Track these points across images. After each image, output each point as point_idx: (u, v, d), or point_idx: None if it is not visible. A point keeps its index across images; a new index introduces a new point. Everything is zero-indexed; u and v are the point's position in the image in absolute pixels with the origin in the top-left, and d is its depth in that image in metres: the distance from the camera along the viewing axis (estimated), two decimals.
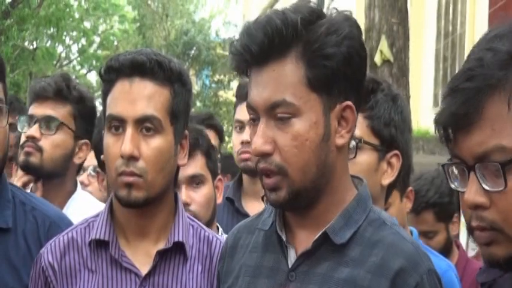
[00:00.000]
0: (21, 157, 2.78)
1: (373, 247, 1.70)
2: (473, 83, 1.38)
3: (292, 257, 1.75)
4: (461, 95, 1.39)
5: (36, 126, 2.79)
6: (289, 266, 1.74)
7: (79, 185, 2.96)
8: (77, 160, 2.84)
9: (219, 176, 2.82)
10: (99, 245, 2.05)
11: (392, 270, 1.66)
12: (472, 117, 1.38)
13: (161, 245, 2.05)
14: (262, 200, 2.64)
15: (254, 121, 1.73)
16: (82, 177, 3.73)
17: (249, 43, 1.68)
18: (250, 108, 1.73)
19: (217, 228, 2.83)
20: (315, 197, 1.73)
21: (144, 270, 2.03)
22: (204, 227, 2.17)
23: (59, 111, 2.81)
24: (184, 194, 2.65)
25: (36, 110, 2.84)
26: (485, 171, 1.39)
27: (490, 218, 1.41)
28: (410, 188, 2.95)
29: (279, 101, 1.68)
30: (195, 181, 2.68)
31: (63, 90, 2.82)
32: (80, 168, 3.01)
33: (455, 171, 1.46)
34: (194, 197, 2.67)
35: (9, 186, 2.37)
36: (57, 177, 2.83)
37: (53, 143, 2.78)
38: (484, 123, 1.38)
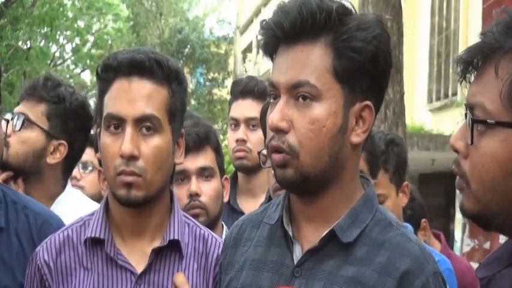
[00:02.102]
0: None
1: (380, 247, 1.71)
2: (485, 38, 1.48)
3: (297, 252, 1.75)
4: (475, 45, 1.49)
5: (10, 123, 2.83)
6: (295, 262, 1.74)
7: (68, 186, 2.96)
8: (50, 160, 2.84)
9: (226, 176, 2.82)
10: (95, 243, 2.05)
11: (399, 271, 1.67)
12: (478, 66, 1.48)
13: (157, 243, 2.05)
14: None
15: (274, 99, 1.74)
16: (74, 172, 3.72)
17: (282, 20, 1.69)
18: (272, 86, 1.73)
19: (222, 227, 2.83)
20: (323, 186, 1.73)
21: (139, 268, 2.02)
22: (200, 225, 2.17)
23: (31, 110, 2.83)
24: (194, 184, 2.65)
25: (17, 108, 2.88)
26: (468, 123, 1.48)
27: (463, 167, 1.49)
28: (406, 183, 2.95)
29: (303, 81, 1.68)
30: (204, 173, 2.67)
31: (38, 89, 2.84)
32: (71, 168, 3.00)
33: None
34: (204, 189, 2.66)
35: (0, 185, 2.38)
36: (29, 174, 2.84)
37: (18, 139, 2.81)
38: (481, 79, 1.47)
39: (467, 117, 1.48)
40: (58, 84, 2.88)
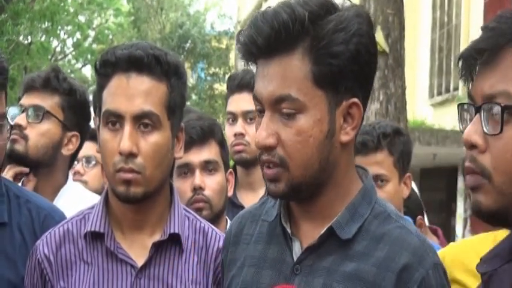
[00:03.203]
0: (8, 145, 2.78)
1: (379, 241, 1.70)
2: (500, 24, 1.44)
3: (297, 249, 1.74)
4: (488, 33, 1.46)
5: (23, 115, 2.79)
6: (294, 259, 1.73)
7: (70, 177, 2.96)
8: (65, 152, 2.83)
9: (230, 170, 2.82)
10: (95, 237, 2.05)
11: (399, 265, 1.66)
12: (490, 57, 1.45)
13: (157, 237, 2.05)
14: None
15: (260, 112, 1.72)
16: (77, 167, 3.72)
17: (255, 36, 1.66)
18: (256, 99, 1.71)
19: (226, 221, 2.82)
20: (316, 190, 1.72)
21: (140, 262, 2.02)
22: (200, 218, 2.16)
23: (47, 101, 2.81)
24: (198, 178, 2.64)
25: (25, 100, 2.84)
26: (488, 114, 1.44)
27: (482, 162, 1.45)
28: (408, 174, 2.94)
29: (284, 95, 1.66)
30: (208, 167, 2.66)
31: (52, 81, 2.82)
32: (73, 160, 3.00)
33: (466, 116, 1.51)
34: (208, 183, 2.65)
35: (2, 179, 2.37)
36: (44, 166, 2.82)
37: (38, 132, 2.78)
38: (498, 67, 1.44)
39: (485, 108, 1.44)
40: (66, 75, 2.88)
